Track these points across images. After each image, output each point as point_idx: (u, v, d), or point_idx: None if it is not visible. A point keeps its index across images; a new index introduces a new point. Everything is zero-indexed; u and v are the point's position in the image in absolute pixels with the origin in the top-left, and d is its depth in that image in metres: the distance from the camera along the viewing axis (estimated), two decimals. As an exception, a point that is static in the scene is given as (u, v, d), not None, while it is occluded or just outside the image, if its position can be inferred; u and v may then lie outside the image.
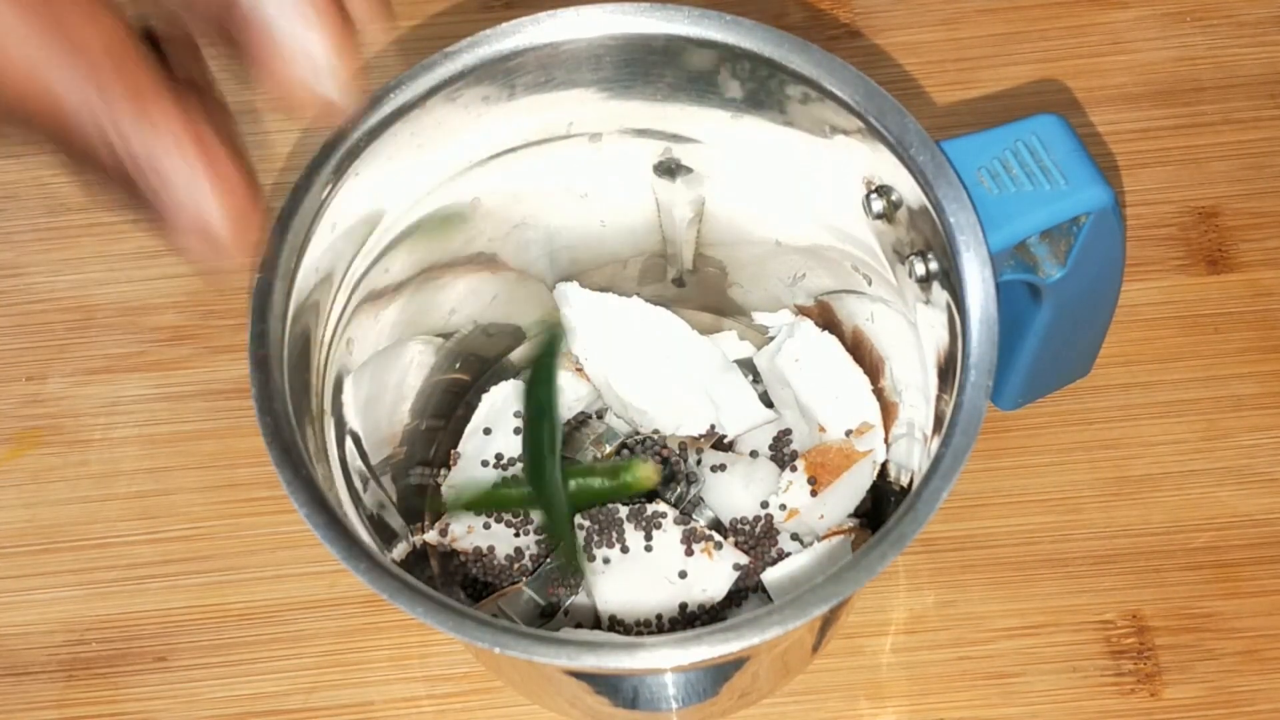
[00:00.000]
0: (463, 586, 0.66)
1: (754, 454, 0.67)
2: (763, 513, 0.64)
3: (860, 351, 0.65)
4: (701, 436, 0.67)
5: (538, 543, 0.66)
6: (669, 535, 0.62)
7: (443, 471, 0.67)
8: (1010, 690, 0.65)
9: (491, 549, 0.65)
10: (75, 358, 0.75)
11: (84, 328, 0.75)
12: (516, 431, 0.67)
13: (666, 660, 0.48)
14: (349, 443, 0.59)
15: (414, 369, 0.65)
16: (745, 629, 0.48)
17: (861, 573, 0.48)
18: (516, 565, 0.66)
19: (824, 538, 0.63)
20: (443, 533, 0.67)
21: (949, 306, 0.54)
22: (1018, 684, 0.65)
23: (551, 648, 0.48)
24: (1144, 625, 0.66)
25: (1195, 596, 0.67)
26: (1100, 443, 0.70)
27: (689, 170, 0.63)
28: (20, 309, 0.76)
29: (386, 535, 0.61)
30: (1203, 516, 0.68)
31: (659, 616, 0.62)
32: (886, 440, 0.64)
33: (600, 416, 0.70)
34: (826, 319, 0.66)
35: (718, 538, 0.63)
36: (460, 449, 0.68)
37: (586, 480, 0.63)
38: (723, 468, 0.65)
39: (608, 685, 0.59)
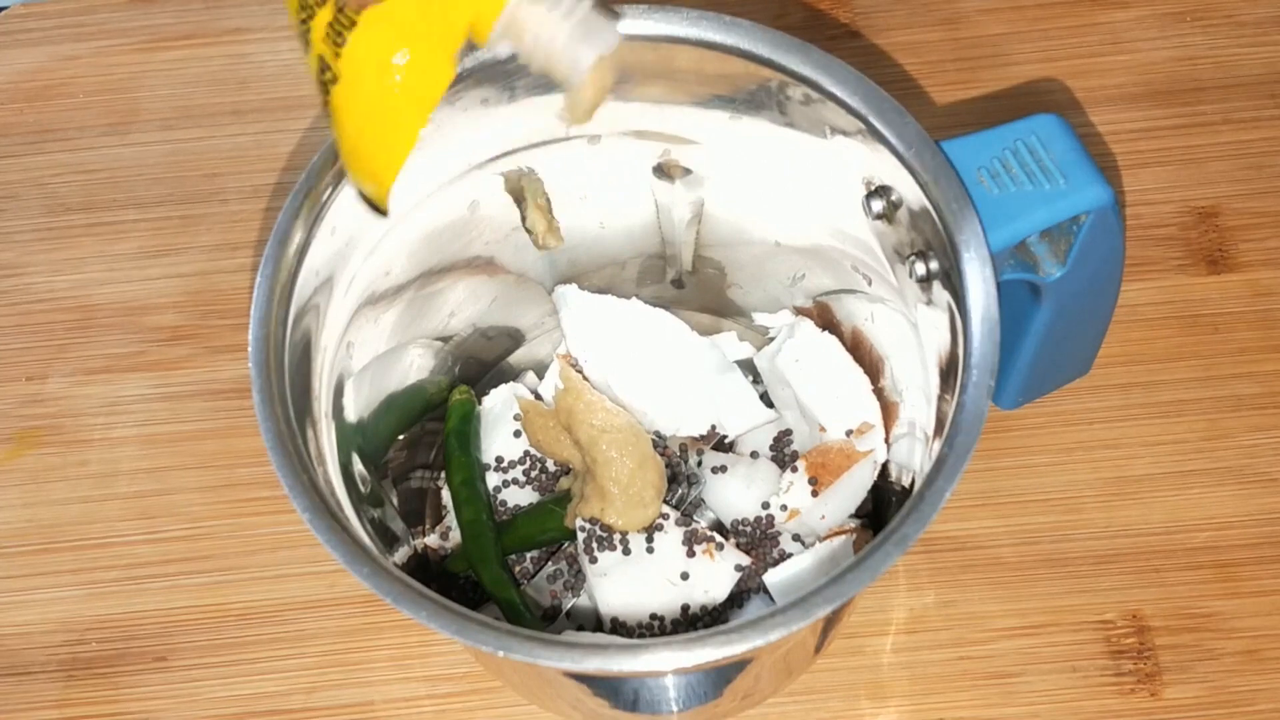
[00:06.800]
0: (463, 589, 0.66)
1: (755, 455, 0.67)
2: (764, 513, 0.64)
3: (860, 352, 0.65)
4: (702, 437, 0.67)
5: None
6: (670, 537, 0.62)
7: (443, 475, 0.67)
8: (1010, 690, 0.65)
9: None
10: (75, 358, 0.75)
11: (84, 328, 0.75)
12: (516, 434, 0.67)
13: (670, 662, 0.48)
14: (350, 446, 0.59)
15: (414, 372, 0.65)
16: (749, 631, 0.48)
17: (865, 573, 0.48)
18: (518, 568, 0.66)
19: (825, 538, 0.63)
20: (444, 536, 0.67)
21: (950, 307, 0.53)
22: (1018, 684, 0.65)
23: (555, 651, 0.48)
24: (1144, 625, 0.66)
25: (1195, 596, 0.67)
26: (1100, 442, 0.70)
27: (688, 171, 0.63)
28: (20, 309, 0.76)
29: (387, 538, 0.61)
30: (1203, 516, 0.68)
31: (661, 618, 0.62)
32: (887, 440, 0.64)
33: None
34: (826, 319, 0.66)
35: (719, 539, 0.63)
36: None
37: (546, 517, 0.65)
38: (723, 469, 0.65)
39: (609, 688, 0.59)
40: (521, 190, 0.62)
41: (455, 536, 0.66)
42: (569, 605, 0.65)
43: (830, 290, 0.65)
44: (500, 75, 0.57)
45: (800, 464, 0.64)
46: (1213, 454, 0.70)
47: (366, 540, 0.52)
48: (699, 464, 0.66)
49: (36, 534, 0.71)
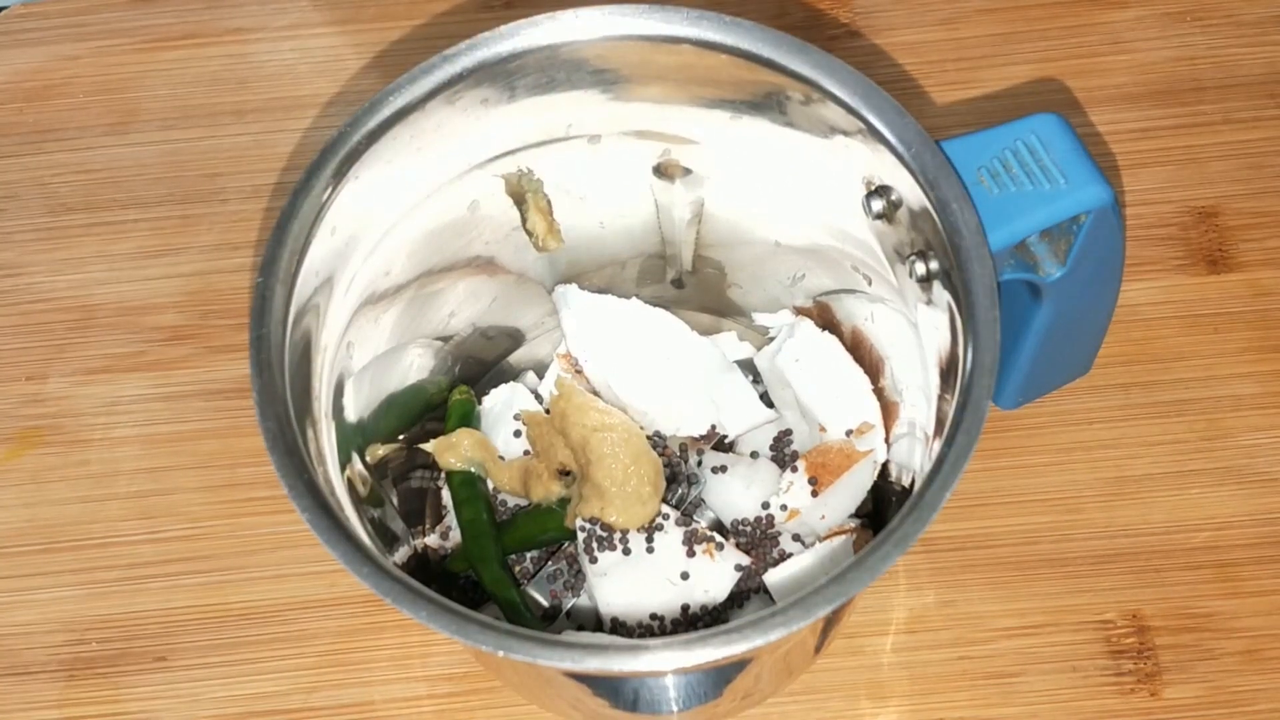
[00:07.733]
0: (463, 589, 0.66)
1: (754, 455, 0.67)
2: (764, 513, 0.64)
3: (859, 351, 0.65)
4: (702, 437, 0.67)
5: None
6: (670, 537, 0.62)
7: (443, 474, 0.67)
8: (1010, 690, 0.65)
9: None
10: (75, 357, 0.75)
11: (84, 327, 0.75)
12: (516, 434, 0.67)
13: (671, 662, 0.48)
14: (350, 446, 0.59)
15: (414, 372, 0.65)
16: (749, 630, 0.48)
17: (865, 573, 0.48)
18: (518, 568, 0.66)
19: (825, 538, 0.63)
20: (444, 535, 0.67)
21: (950, 306, 0.53)
22: (1017, 684, 0.66)
23: (555, 651, 0.48)
24: (1144, 625, 0.66)
25: (1195, 596, 0.67)
26: (1100, 442, 0.70)
27: (688, 171, 0.63)
28: (20, 309, 0.76)
29: (387, 538, 0.61)
30: (1202, 516, 0.68)
31: (661, 618, 0.62)
32: (887, 440, 0.64)
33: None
34: (826, 319, 0.66)
35: (719, 539, 0.63)
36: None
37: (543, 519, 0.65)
38: (723, 469, 0.65)
39: (609, 688, 0.59)
40: (522, 193, 0.63)
41: (455, 536, 0.66)
42: (569, 605, 0.65)
43: (830, 290, 0.65)
44: (500, 75, 0.57)
45: (800, 464, 0.64)
46: (1212, 454, 0.70)
47: (366, 540, 0.52)
48: (699, 464, 0.66)
49: (37, 534, 0.71)
